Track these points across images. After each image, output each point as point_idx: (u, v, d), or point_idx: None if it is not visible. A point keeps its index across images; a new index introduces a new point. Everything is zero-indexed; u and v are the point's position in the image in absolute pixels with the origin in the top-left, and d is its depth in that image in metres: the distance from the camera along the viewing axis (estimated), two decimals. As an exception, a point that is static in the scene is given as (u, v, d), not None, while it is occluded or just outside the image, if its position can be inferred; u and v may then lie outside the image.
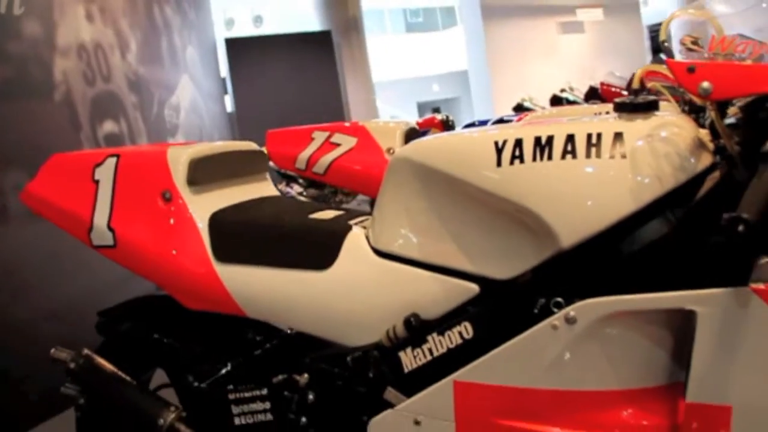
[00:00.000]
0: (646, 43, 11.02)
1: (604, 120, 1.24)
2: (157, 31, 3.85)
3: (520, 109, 6.05)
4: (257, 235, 1.50)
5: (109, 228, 1.58)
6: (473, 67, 11.51)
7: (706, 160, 1.18)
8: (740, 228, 0.97)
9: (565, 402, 1.22)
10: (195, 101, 4.38)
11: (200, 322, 1.60)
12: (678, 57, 1.16)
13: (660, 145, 1.16)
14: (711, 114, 1.18)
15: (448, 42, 16.24)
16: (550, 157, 1.20)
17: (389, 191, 1.39)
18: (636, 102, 1.23)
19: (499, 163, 1.23)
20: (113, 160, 1.61)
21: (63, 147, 3.11)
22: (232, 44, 7.38)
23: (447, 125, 4.88)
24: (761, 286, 1.05)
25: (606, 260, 1.19)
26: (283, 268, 1.45)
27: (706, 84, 1.08)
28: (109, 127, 3.41)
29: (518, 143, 1.23)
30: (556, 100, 5.71)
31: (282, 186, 4.16)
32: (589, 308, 1.17)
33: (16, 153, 2.85)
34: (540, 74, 9.50)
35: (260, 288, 1.47)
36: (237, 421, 1.55)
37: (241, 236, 1.50)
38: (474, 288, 1.30)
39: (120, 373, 1.61)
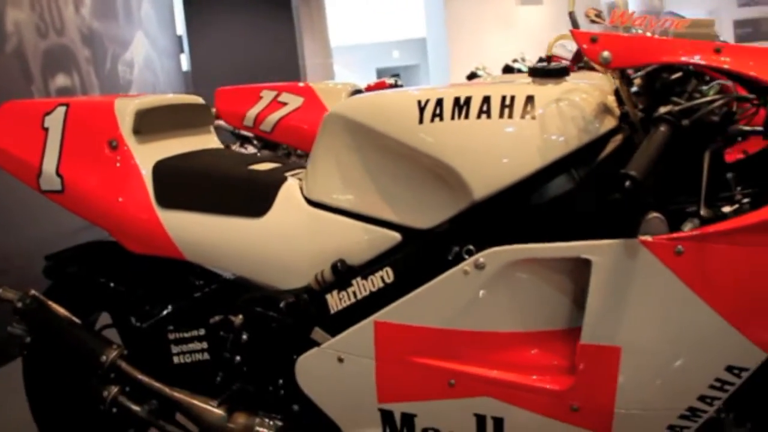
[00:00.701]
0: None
1: (518, 84, 1.33)
2: (111, -14, 3.86)
3: (473, 77, 6.12)
4: (197, 182, 1.57)
5: (58, 174, 1.64)
6: (432, 34, 11.53)
7: (609, 123, 1.28)
8: (627, 184, 1.08)
9: (475, 342, 1.32)
10: (149, 58, 4.37)
11: (143, 266, 1.67)
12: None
13: (567, 108, 1.25)
14: (616, 82, 1.28)
15: (408, 8, 16.18)
16: (467, 116, 1.29)
17: (322, 145, 1.47)
18: (548, 68, 1.32)
19: (421, 121, 1.32)
20: (63, 108, 1.66)
21: (14, 98, 3.12)
22: (190, 2, 7.32)
23: None
24: (648, 238, 1.17)
25: (515, 212, 1.29)
26: (221, 214, 1.53)
27: (606, 53, 1.17)
28: (61, 80, 3.40)
29: (439, 102, 1.31)
30: (507, 69, 5.79)
31: (236, 146, 4.20)
32: (497, 255, 1.27)
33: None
34: (497, 44, 9.58)
35: (199, 233, 1.55)
36: (176, 360, 1.63)
37: (182, 184, 1.57)
38: (396, 236, 1.39)
39: (65, 312, 1.68)
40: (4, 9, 3.09)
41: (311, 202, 1.48)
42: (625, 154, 1.23)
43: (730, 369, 1.20)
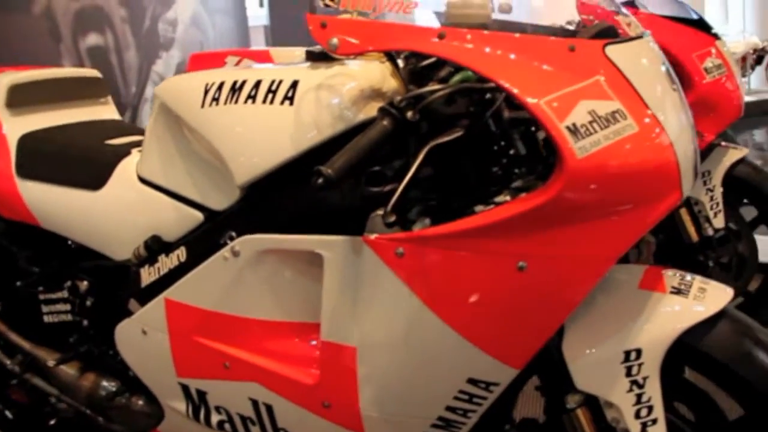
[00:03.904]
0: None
1: (291, 67, 1.24)
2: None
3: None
4: (50, 155, 1.60)
5: None
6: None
7: (372, 111, 1.16)
8: (319, 181, 0.99)
9: (243, 327, 1.28)
10: (198, 16, 4.43)
11: (25, 231, 1.72)
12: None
13: (326, 94, 1.15)
14: (387, 67, 1.17)
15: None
16: (236, 101, 1.22)
17: (149, 124, 1.44)
18: (323, 51, 1.21)
19: (202, 104, 1.26)
20: None
21: (42, 58, 3.26)
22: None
23: None
24: (371, 236, 1.07)
25: (274, 201, 1.21)
26: (67, 186, 1.55)
27: (335, 40, 1.07)
28: (93, 39, 3.52)
29: (220, 86, 1.25)
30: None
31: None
32: (248, 243, 1.21)
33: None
34: None
35: (49, 202, 1.57)
36: (46, 318, 1.68)
37: (38, 155, 1.60)
38: (199, 216, 1.35)
39: None
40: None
41: (141, 179, 1.46)
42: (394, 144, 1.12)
43: (473, 382, 1.09)
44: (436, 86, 1.03)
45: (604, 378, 1.09)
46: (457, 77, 1.05)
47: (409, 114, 1.02)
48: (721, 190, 2.23)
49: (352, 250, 1.09)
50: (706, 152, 2.18)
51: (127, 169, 1.49)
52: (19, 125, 1.66)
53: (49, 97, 1.74)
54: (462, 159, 1.08)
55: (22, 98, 1.67)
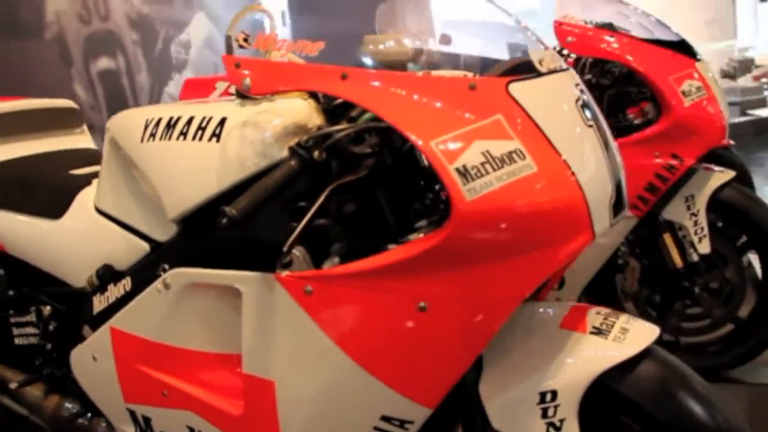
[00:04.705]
0: None
1: (224, 103, 1.26)
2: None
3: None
4: (17, 184, 1.65)
5: None
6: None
7: None
8: (223, 221, 1.00)
9: (178, 357, 1.29)
10: (211, 37, 4.51)
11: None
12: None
13: (251, 131, 1.16)
14: (311, 104, 1.18)
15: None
16: (169, 137, 1.24)
17: (103, 154, 1.48)
18: None
19: (141, 139, 1.29)
20: None
21: (54, 82, 3.36)
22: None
23: None
24: (282, 273, 1.07)
25: (204, 235, 1.23)
26: (30, 214, 1.60)
27: (247, 80, 1.08)
28: (104, 63, 3.61)
29: (158, 122, 1.27)
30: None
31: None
32: (176, 276, 1.23)
33: (5, 89, 3.10)
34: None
35: (14, 230, 1.63)
36: (17, 341, 1.73)
37: (5, 184, 1.66)
38: (146, 247, 1.38)
39: None
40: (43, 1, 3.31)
41: (97, 209, 1.50)
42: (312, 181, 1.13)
43: (387, 419, 1.09)
44: (343, 125, 1.03)
45: (520, 419, 1.07)
46: (365, 116, 1.05)
47: (316, 154, 1.03)
48: (705, 214, 2.18)
49: (266, 287, 1.10)
50: (686, 176, 2.13)
51: (85, 199, 1.53)
52: (-10, 156, 1.71)
53: (21, 128, 1.79)
54: (373, 197, 1.09)
55: None
